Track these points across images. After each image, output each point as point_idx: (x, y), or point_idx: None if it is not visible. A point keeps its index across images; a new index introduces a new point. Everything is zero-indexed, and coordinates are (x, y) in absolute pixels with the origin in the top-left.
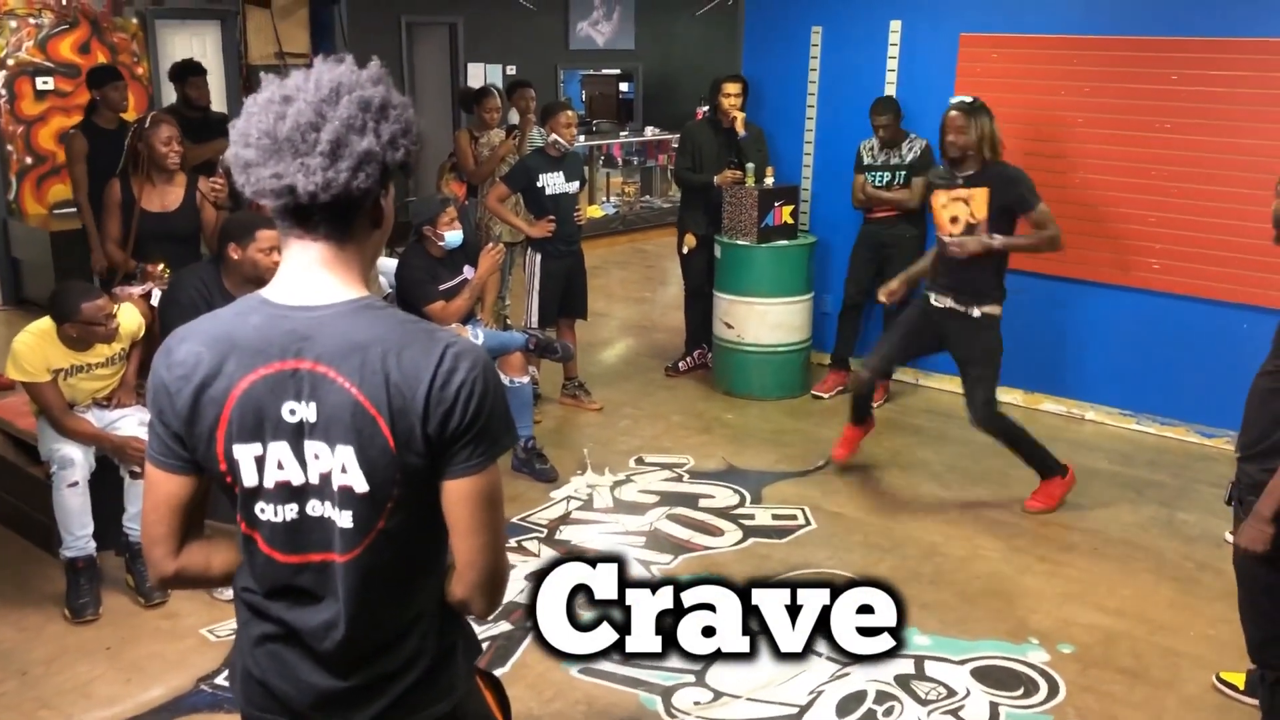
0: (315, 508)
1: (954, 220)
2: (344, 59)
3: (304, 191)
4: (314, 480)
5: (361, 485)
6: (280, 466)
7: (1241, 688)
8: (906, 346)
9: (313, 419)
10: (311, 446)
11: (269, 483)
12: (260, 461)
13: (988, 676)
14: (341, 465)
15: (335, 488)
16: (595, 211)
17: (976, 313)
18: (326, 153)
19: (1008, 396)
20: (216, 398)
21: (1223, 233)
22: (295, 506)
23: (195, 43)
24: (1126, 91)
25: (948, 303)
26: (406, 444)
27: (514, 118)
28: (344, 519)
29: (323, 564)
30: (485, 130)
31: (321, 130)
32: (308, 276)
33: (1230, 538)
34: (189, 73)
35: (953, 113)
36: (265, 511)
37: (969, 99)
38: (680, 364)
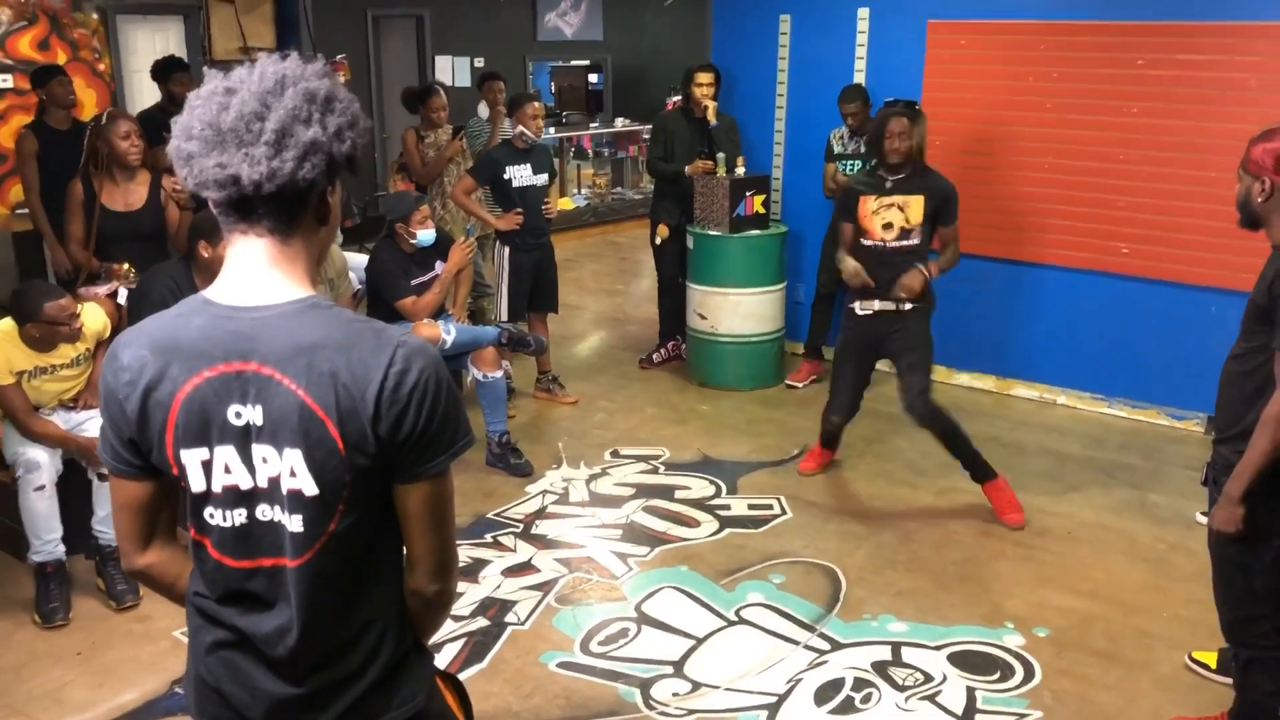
0: (265, 512)
1: (887, 227)
2: (289, 54)
3: (248, 181)
4: (262, 484)
5: (311, 488)
6: (227, 470)
7: (1214, 667)
8: (861, 377)
9: (259, 422)
10: (259, 450)
11: (216, 487)
12: (207, 466)
13: (964, 661)
14: (290, 469)
15: (284, 491)
16: (566, 204)
17: (907, 305)
18: (271, 142)
19: (980, 383)
20: (162, 401)
21: (1190, 216)
22: (244, 511)
23: (158, 38)
24: (1094, 77)
25: (875, 306)
26: (356, 445)
27: (484, 111)
28: (294, 523)
29: (274, 569)
30: (432, 129)
31: (266, 120)
32: (252, 275)
33: (1202, 518)
34: (173, 69)
35: (896, 118)
36: (214, 516)
37: (908, 103)
38: (654, 355)
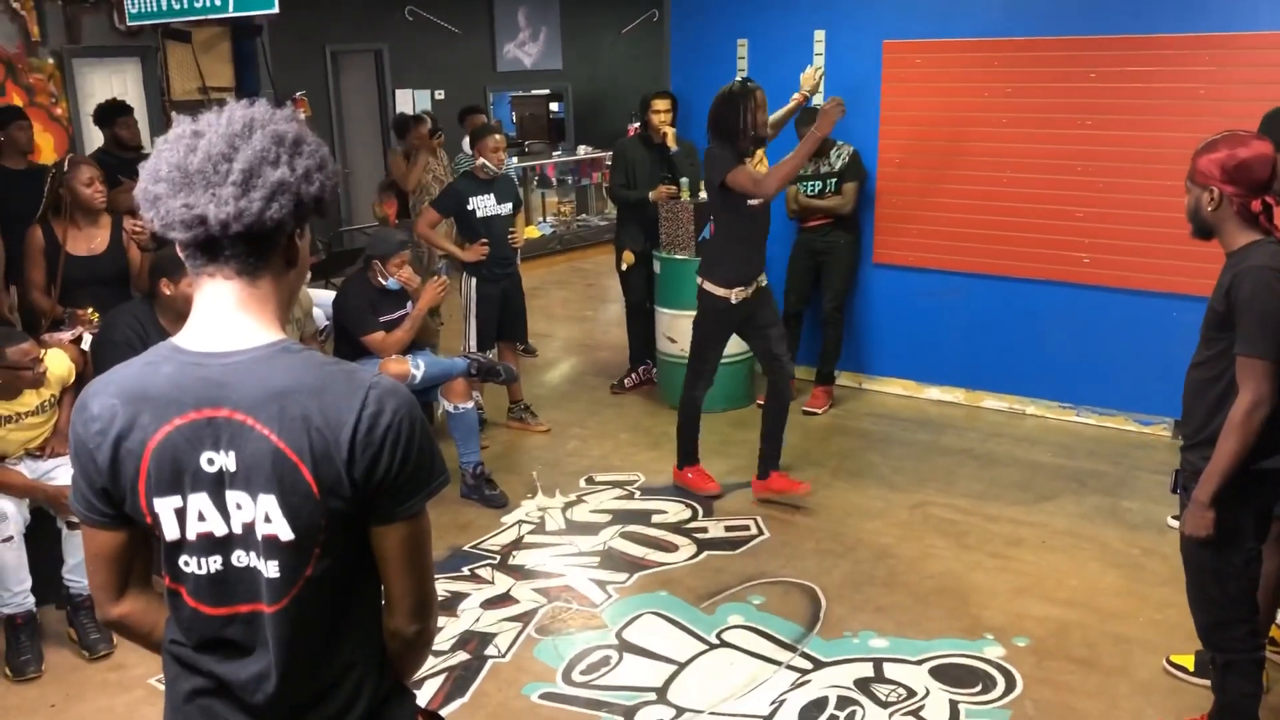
0: (240, 558)
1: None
2: (257, 100)
3: (215, 221)
4: (237, 530)
5: (286, 534)
6: (201, 518)
7: (1192, 670)
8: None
9: (232, 468)
10: (233, 496)
11: (191, 535)
12: (181, 514)
13: (946, 675)
14: (265, 514)
15: (259, 537)
16: (532, 232)
17: (764, 280)
18: (239, 182)
19: (950, 396)
20: (134, 450)
21: (1148, 224)
22: (219, 558)
23: (115, 81)
24: (1047, 91)
25: (754, 285)
26: (331, 489)
27: (468, 145)
28: (270, 569)
29: (251, 615)
30: (418, 155)
31: (234, 160)
32: (221, 319)
33: (1173, 522)
34: (117, 113)
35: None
36: (189, 564)
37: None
38: (625, 381)
